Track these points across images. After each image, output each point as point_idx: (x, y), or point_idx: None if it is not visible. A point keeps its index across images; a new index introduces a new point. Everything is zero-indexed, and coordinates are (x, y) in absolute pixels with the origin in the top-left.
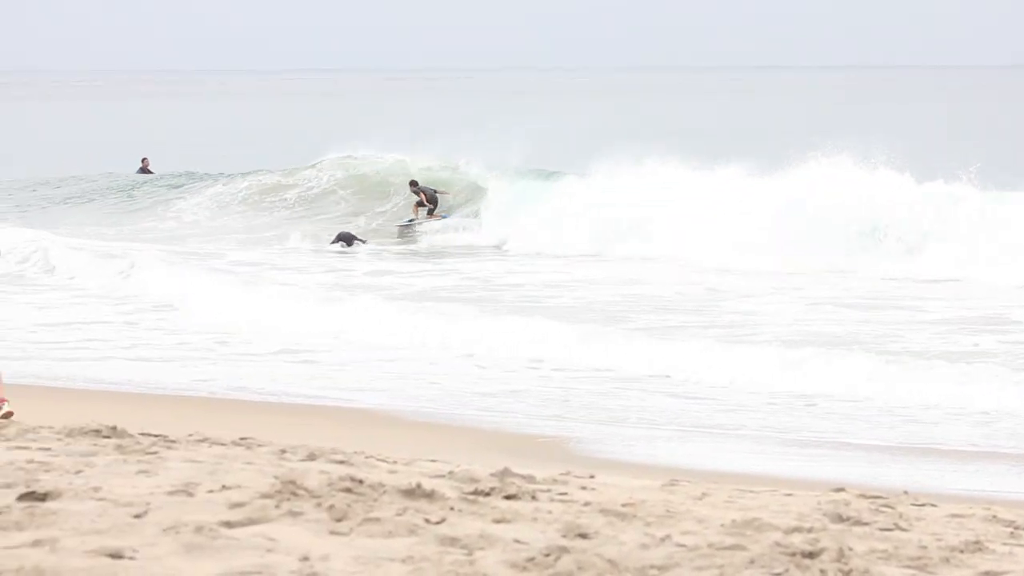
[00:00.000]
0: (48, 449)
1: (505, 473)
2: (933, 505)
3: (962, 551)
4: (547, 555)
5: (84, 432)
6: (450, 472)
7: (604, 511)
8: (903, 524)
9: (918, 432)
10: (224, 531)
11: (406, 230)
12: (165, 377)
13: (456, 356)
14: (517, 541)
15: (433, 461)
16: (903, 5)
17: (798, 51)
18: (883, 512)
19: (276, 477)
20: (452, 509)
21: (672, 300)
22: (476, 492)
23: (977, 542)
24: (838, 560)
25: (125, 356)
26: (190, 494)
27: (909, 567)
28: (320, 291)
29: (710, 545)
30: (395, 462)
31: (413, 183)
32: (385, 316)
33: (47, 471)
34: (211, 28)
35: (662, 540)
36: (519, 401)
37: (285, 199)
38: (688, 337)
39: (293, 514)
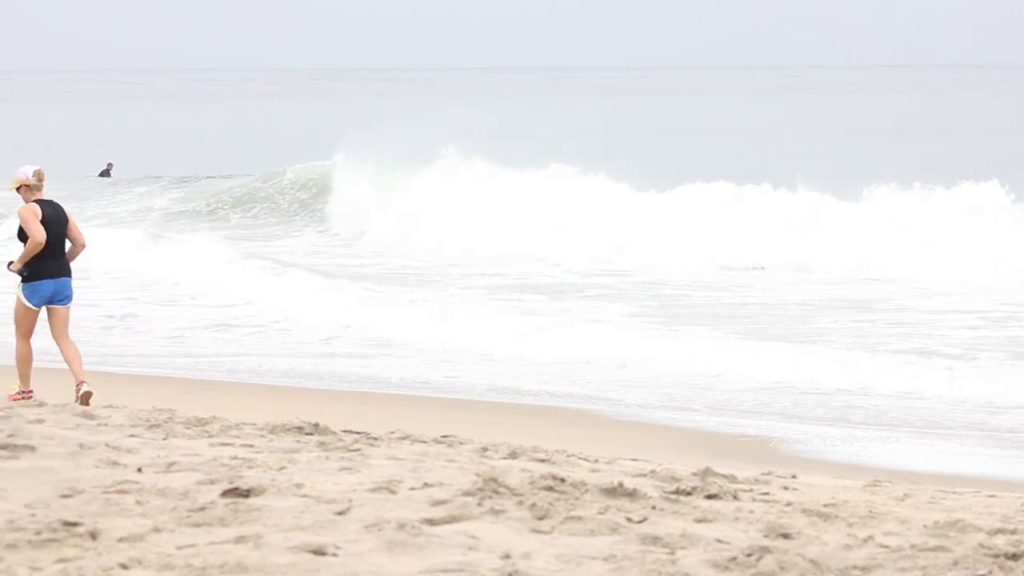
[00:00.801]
0: (251, 446)
1: (707, 473)
2: None
3: None
4: (749, 555)
5: (287, 429)
6: (652, 471)
7: (806, 511)
8: None
9: None
10: (426, 528)
11: None
12: (363, 372)
13: (649, 356)
14: (719, 541)
15: (634, 460)
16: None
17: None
18: None
19: (478, 475)
20: (654, 508)
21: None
22: (678, 491)
23: None
24: None
25: (322, 352)
26: (392, 491)
27: None
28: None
29: (913, 546)
30: (596, 461)
31: None
32: (585, 318)
33: (250, 467)
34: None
35: (864, 541)
36: (715, 401)
37: None
38: (861, 339)
39: (495, 512)
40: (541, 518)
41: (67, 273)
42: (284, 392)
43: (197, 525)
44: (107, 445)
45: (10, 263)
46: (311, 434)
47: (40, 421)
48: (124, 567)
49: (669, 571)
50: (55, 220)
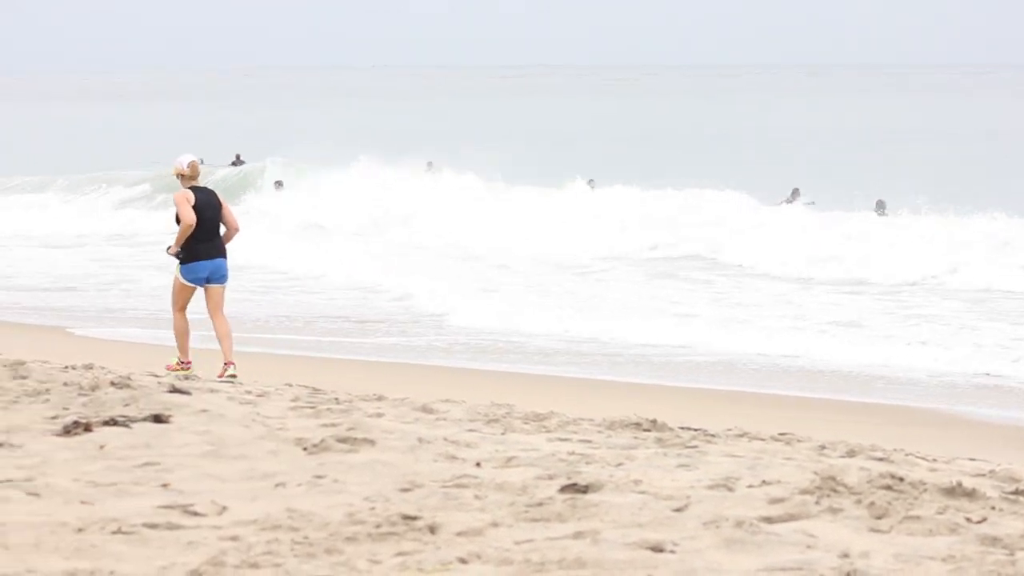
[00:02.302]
0: (589, 441)
1: None
2: None
3: None
4: None
5: (625, 425)
6: (991, 471)
7: None
8: None
9: None
10: (764, 526)
11: None
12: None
13: (979, 354)
14: None
15: (973, 460)
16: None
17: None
18: None
19: (816, 473)
20: (993, 508)
21: None
22: (1017, 492)
23: None
24: None
25: (655, 350)
26: (730, 489)
27: None
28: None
29: None
30: (935, 460)
31: None
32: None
33: (588, 463)
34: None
35: None
36: None
37: None
38: None
39: (833, 510)
40: (879, 517)
41: (222, 254)
42: (620, 388)
43: (535, 520)
44: (446, 439)
45: (168, 247)
46: (649, 430)
47: (380, 415)
48: (463, 561)
49: (1009, 572)
50: (207, 205)
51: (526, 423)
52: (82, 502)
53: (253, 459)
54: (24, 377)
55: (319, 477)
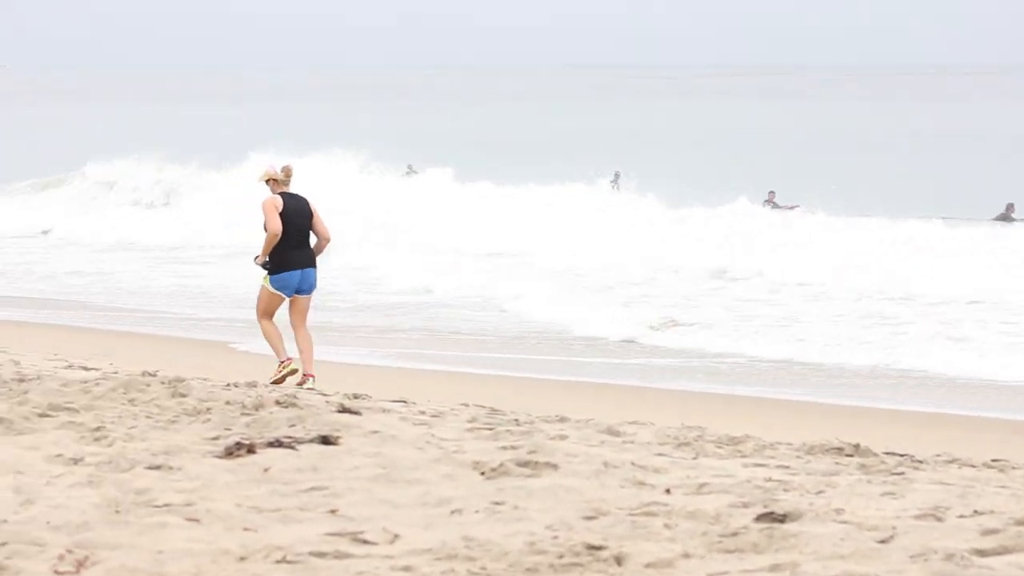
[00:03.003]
0: (787, 467)
1: None
2: None
3: None
4: None
5: (825, 450)
6: None
7: None
8: None
9: None
10: (976, 560)
11: None
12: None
13: None
14: None
15: None
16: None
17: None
18: None
19: None
20: None
21: None
22: None
23: None
24: None
25: (861, 371)
26: (939, 519)
27: None
28: None
29: None
30: None
31: None
32: None
33: (786, 490)
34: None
35: None
36: None
37: None
38: None
39: None
40: None
41: (312, 264)
42: (819, 410)
43: (729, 551)
44: (633, 464)
45: (255, 257)
46: (851, 455)
47: (563, 437)
48: None
49: None
50: (297, 213)
51: (719, 447)
52: (245, 529)
53: (427, 484)
54: (184, 395)
55: (498, 503)
